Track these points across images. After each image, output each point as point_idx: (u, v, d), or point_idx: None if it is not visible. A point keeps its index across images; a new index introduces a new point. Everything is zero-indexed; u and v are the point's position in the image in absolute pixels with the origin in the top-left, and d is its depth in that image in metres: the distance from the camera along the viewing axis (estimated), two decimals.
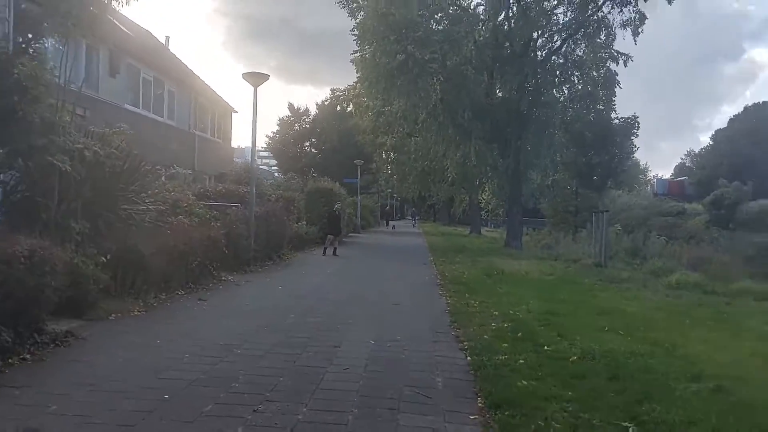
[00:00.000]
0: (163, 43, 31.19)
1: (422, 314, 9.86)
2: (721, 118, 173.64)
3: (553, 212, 43.58)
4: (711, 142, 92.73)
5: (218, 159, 29.53)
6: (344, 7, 28.15)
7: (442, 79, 27.41)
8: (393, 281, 14.37)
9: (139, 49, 22.58)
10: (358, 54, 27.90)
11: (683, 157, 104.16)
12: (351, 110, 50.55)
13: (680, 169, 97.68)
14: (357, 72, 29.60)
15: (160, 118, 23.62)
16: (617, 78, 28.30)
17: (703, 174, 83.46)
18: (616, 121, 29.27)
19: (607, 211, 19.81)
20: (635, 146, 30.32)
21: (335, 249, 20.65)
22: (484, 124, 28.46)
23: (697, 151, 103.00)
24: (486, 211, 65.67)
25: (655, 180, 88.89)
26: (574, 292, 13.78)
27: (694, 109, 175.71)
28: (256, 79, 14.72)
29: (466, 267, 18.58)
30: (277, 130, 57.42)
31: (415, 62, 25.69)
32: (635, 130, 29.01)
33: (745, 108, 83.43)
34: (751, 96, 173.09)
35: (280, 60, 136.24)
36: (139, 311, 8.69)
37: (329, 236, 20.93)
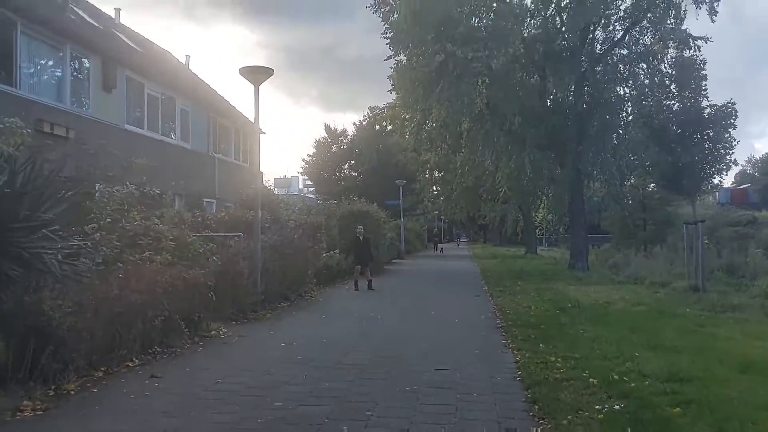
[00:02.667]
0: (183, 62, 29.00)
1: (481, 388, 6.47)
2: None
3: (619, 227, 39.37)
4: (732, 158, 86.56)
5: (244, 185, 26.83)
6: (376, 11, 25.12)
7: (487, 81, 24.07)
8: (437, 325, 10.99)
9: (143, 61, 20.10)
10: (391, 60, 24.91)
11: (743, 164, 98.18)
12: (390, 128, 47.70)
13: (741, 176, 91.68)
14: (392, 82, 26.59)
15: (170, 140, 21.03)
16: (703, 61, 24.23)
17: None
18: (709, 110, 24.73)
19: (703, 221, 16.00)
20: (734, 140, 25.31)
21: (370, 281, 17.39)
22: (537, 130, 24.89)
23: (757, 158, 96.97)
24: (541, 229, 61.50)
25: (717, 191, 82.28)
26: (683, 331, 10.17)
27: (745, 115, 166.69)
28: (257, 75, 11.75)
29: (530, 298, 15.04)
30: (314, 153, 54.72)
31: (456, 63, 22.46)
32: (732, 120, 24.44)
33: None
34: None
35: (320, 88, 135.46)
36: (38, 407, 5.59)
37: (356, 266, 17.68)
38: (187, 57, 29.66)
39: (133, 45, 21.04)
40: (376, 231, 24.03)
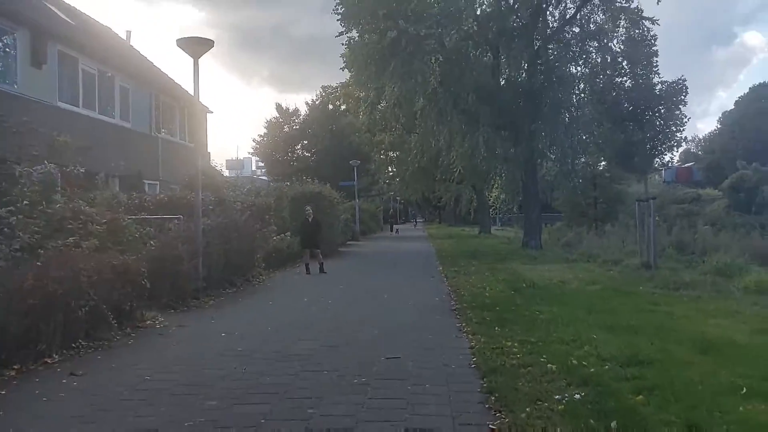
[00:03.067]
0: (124, 38, 27.57)
1: (434, 378, 6.04)
2: (717, 103, 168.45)
3: (570, 205, 39.68)
4: (718, 126, 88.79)
5: (190, 166, 25.71)
6: None
7: (441, 58, 23.58)
8: (390, 309, 10.53)
9: (77, 35, 18.87)
10: (344, 38, 24.10)
11: (687, 142, 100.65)
12: (344, 108, 46.84)
13: (686, 155, 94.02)
14: (344, 60, 25.79)
15: (109, 119, 19.91)
16: (653, 36, 24.20)
17: (713, 158, 79.53)
18: (660, 87, 24.72)
19: (654, 198, 15.94)
20: (685, 117, 25.32)
21: (322, 264, 16.82)
22: (491, 109, 24.58)
23: (701, 137, 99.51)
24: (494, 209, 61.84)
25: (663, 169, 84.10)
26: (639, 310, 10.00)
27: (688, 95, 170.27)
28: (196, 47, 10.93)
29: (484, 278, 14.75)
30: (265, 134, 53.32)
31: (409, 40, 21.86)
32: (683, 96, 24.53)
33: (752, 88, 79.31)
34: (744, 80, 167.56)
35: (272, 68, 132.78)
36: None
37: (305, 250, 17.07)
38: (128, 33, 28.24)
39: (66, 18, 19.74)
40: (329, 212, 23.41)
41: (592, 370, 6.01)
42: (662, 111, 24.45)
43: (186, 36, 10.79)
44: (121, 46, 25.08)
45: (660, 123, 24.33)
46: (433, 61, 23.03)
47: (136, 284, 8.59)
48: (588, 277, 14.73)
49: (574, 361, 6.29)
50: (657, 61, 24.89)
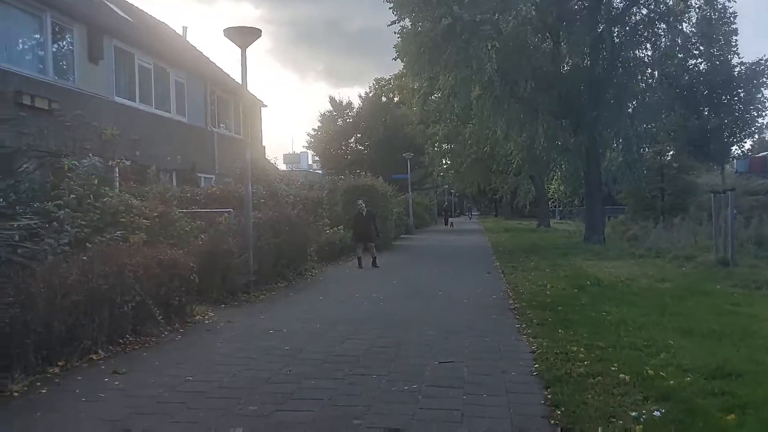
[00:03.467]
0: (180, 34, 27.89)
1: (492, 387, 5.52)
2: None
3: (635, 197, 38.07)
4: (765, 122, 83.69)
5: (260, 163, 25.77)
6: None
7: (497, 45, 22.74)
8: (444, 308, 10.04)
9: (133, 31, 19.04)
10: (396, 27, 23.57)
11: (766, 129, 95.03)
12: (397, 100, 46.35)
13: (760, 144, 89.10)
14: (396, 50, 25.23)
15: (165, 114, 20.04)
16: (733, 14, 22.60)
17: None
18: (739, 69, 23.00)
19: (733, 189, 14.82)
20: (767, 99, 23.26)
21: (374, 259, 16.45)
22: (551, 97, 23.64)
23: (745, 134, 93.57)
24: (553, 201, 60.36)
25: (734, 160, 79.83)
26: (718, 312, 9.16)
27: None
28: (244, 37, 10.67)
29: (545, 275, 14.07)
30: (319, 127, 53.39)
31: (464, 26, 21.17)
32: (766, 78, 22.61)
33: None
34: None
35: (326, 63, 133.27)
36: None
37: (359, 244, 16.72)
38: (184, 28, 28.56)
39: (122, 14, 19.95)
40: (382, 206, 23.06)
41: (672, 382, 5.37)
42: (742, 94, 22.67)
43: (233, 26, 10.53)
44: (176, 41, 25.33)
45: (739, 108, 22.58)
46: (489, 47, 22.24)
47: (185, 279, 8.38)
48: (658, 275, 13.82)
49: (650, 371, 5.66)
50: (737, 40, 23.04)
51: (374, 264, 16.35)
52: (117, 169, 16.03)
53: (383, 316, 9.12)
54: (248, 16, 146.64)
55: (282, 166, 48.81)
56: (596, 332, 7.56)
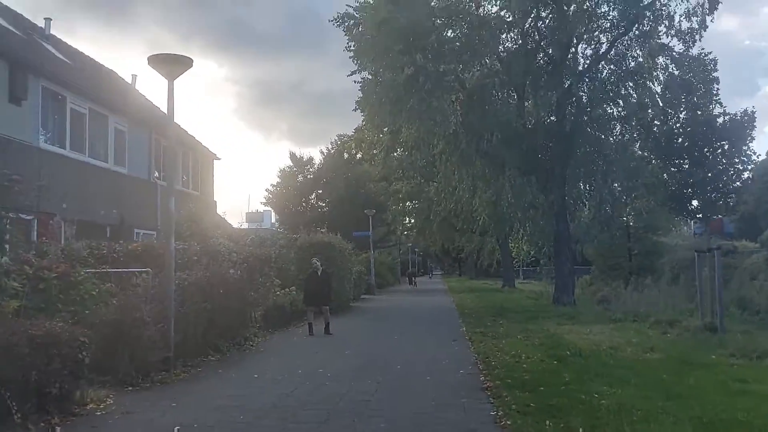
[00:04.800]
0: (129, 82, 26.34)
1: None
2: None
3: (602, 258, 37.16)
4: (749, 175, 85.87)
5: (198, 216, 23.95)
6: (339, 25, 22.69)
7: (462, 97, 21.84)
8: (403, 388, 8.31)
9: (65, 72, 17.44)
10: (357, 77, 22.46)
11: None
12: (359, 156, 45.29)
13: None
14: (357, 103, 24.00)
15: (101, 163, 18.27)
16: (713, 61, 21.90)
17: (746, 209, 76.30)
18: (723, 119, 22.08)
19: (718, 248, 13.64)
20: (754, 153, 22.13)
21: (327, 324, 14.64)
22: (517, 153, 22.66)
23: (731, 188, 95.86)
24: (517, 261, 59.33)
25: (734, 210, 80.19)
26: (727, 393, 7.69)
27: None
28: (171, 66, 9.14)
29: (517, 343, 12.49)
30: (278, 183, 51.73)
31: (427, 76, 20.18)
32: (750, 131, 21.74)
33: None
34: None
35: (290, 122, 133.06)
36: None
37: (310, 307, 14.93)
38: (134, 76, 27.14)
39: (56, 53, 18.40)
40: (340, 264, 21.39)
41: None
42: (725, 147, 21.83)
43: (158, 53, 9.02)
44: (119, 85, 23.73)
45: (722, 161, 21.71)
46: (453, 99, 21.28)
47: (70, 358, 6.52)
48: (643, 343, 12.34)
49: None
50: (718, 89, 22.15)
51: (327, 330, 14.54)
52: (35, 223, 14.27)
53: (326, 402, 7.34)
54: (213, 74, 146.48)
55: (245, 225, 46.88)
56: (593, 426, 5.96)
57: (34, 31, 18.92)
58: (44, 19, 20.42)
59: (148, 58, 9.08)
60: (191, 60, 9.31)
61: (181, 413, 6.76)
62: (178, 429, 6.06)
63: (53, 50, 18.70)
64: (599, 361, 10.24)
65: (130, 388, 7.97)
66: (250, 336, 12.79)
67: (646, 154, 21.51)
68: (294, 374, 9.25)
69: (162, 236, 16.04)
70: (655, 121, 22.28)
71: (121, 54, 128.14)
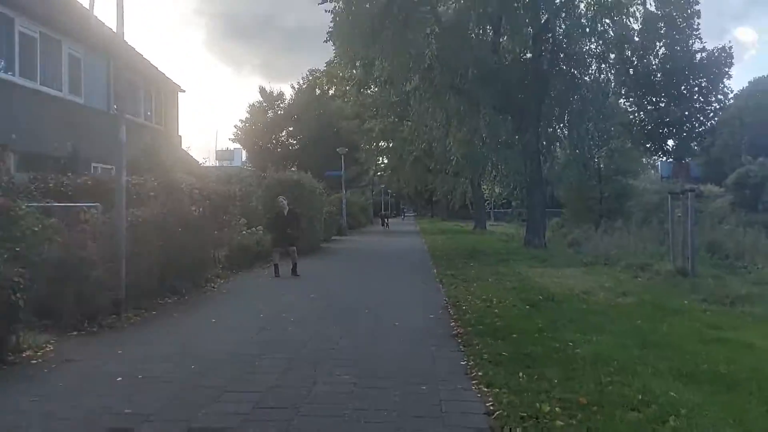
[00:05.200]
0: (87, 7, 24.59)
1: None
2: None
3: (573, 200, 37.15)
4: (715, 120, 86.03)
5: (156, 150, 22.88)
6: None
7: (437, 30, 20.87)
8: (370, 334, 7.91)
9: None
10: (328, 6, 21.27)
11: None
12: (331, 92, 43.96)
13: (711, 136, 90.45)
14: (327, 31, 22.81)
15: (55, 92, 17.11)
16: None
17: (713, 153, 76.97)
18: (701, 55, 21.45)
19: (692, 190, 13.32)
20: (730, 90, 21.54)
21: (294, 265, 14.15)
22: (493, 90, 21.93)
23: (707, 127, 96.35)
24: (488, 203, 59.35)
25: (658, 163, 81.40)
26: (703, 340, 7.44)
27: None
28: None
29: (489, 287, 12.18)
30: (247, 119, 50.09)
31: (401, 6, 19.23)
32: (727, 68, 21.15)
33: (751, 82, 76.52)
34: (737, 76, 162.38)
35: (263, 58, 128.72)
36: None
37: (276, 248, 14.39)
38: (91, 1, 25.32)
39: None
40: (310, 204, 20.76)
41: None
42: (702, 84, 21.23)
43: None
44: (77, 11, 22.09)
45: (699, 99, 21.15)
46: (428, 32, 20.32)
47: (1, 301, 5.91)
48: (615, 287, 12.12)
49: None
50: (699, 23, 21.26)
51: (294, 272, 14.06)
52: None
53: (287, 350, 6.88)
54: (181, 8, 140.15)
55: (215, 163, 45.56)
56: (569, 377, 5.60)
57: None
58: None
59: None
60: None
61: (127, 362, 6.23)
62: (119, 379, 5.54)
63: None
64: (572, 306, 9.95)
65: (75, 333, 7.41)
66: (212, 277, 12.29)
67: (623, 91, 20.85)
68: (255, 318, 8.77)
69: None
70: (633, 58, 21.53)
71: None
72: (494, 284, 12.53)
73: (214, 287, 11.76)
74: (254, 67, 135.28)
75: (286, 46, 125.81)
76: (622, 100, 21.05)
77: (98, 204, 8.65)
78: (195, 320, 8.64)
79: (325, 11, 20.70)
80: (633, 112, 20.99)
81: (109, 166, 19.04)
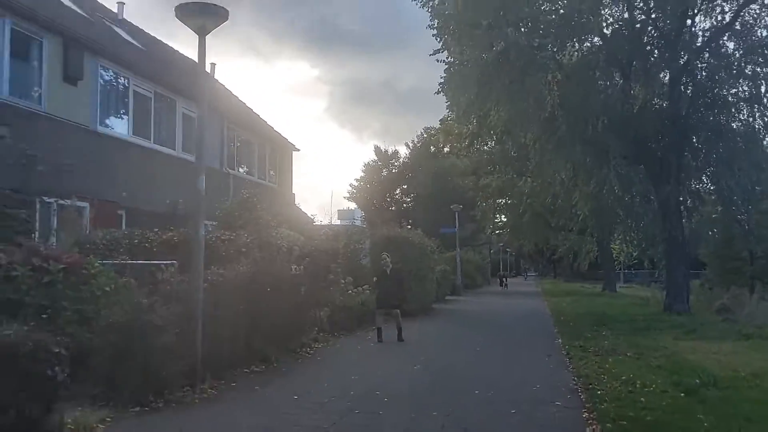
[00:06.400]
0: (208, 71, 25.62)
1: None
2: None
3: (719, 260, 33.21)
4: None
5: (270, 208, 22.80)
6: (423, 6, 20.70)
7: (558, 77, 19.31)
8: (481, 423, 6.32)
9: (128, 52, 16.58)
10: (440, 55, 20.33)
11: None
12: (446, 149, 43.10)
13: None
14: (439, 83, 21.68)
15: (167, 150, 17.34)
16: None
17: None
18: None
19: None
20: None
21: (400, 330, 12.78)
22: (624, 139, 19.84)
23: None
24: (617, 263, 55.03)
25: None
26: None
27: None
28: (203, 18, 7.60)
29: (628, 363, 10.12)
30: (362, 177, 50.33)
31: (519, 53, 17.92)
32: None
33: None
34: None
35: (382, 121, 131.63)
36: None
37: (380, 311, 13.10)
38: (212, 65, 26.32)
39: (121, 33, 17.62)
40: (420, 263, 19.48)
41: None
42: None
43: (187, 1, 7.48)
44: (191, 70, 22.81)
45: None
46: (549, 79, 18.80)
47: (35, 377, 5.04)
48: None
49: None
50: None
51: (399, 337, 12.69)
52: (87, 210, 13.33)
53: None
54: (305, 75, 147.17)
55: (337, 221, 45.92)
56: None
57: (103, 14, 18.27)
58: (117, 3, 19.79)
59: (175, 9, 7.57)
60: (226, 11, 7.72)
61: None
62: None
63: (118, 30, 17.93)
64: (742, 395, 7.77)
65: (138, 409, 6.46)
66: (309, 342, 11.18)
67: None
68: (344, 396, 7.46)
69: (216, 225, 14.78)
70: None
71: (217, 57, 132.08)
72: (634, 360, 10.43)
73: (309, 353, 10.63)
74: (374, 130, 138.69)
75: (402, 109, 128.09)
76: None
77: (174, 261, 7.85)
78: (276, 395, 7.46)
79: (437, 61, 19.78)
80: None
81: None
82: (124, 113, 15.74)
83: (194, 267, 7.62)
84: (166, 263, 7.85)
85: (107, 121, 15.09)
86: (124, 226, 14.00)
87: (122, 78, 15.50)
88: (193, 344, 7.36)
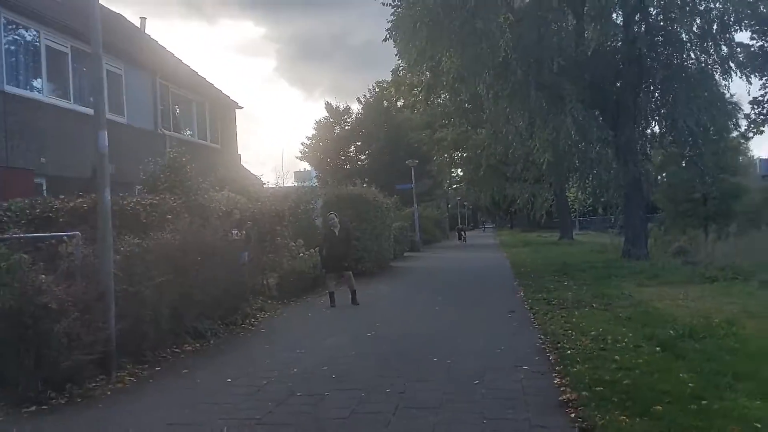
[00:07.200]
0: (138, 25, 23.67)
1: None
2: None
3: (674, 203, 33.42)
4: None
5: (211, 169, 21.35)
6: None
7: (511, 18, 18.30)
8: (440, 397, 5.50)
9: (37, 2, 14.82)
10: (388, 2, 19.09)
11: None
12: (399, 102, 41.89)
13: None
14: (387, 31, 20.43)
15: (85, 110, 15.76)
16: None
17: None
18: None
19: None
20: None
21: (354, 293, 11.91)
22: (578, 83, 19.09)
23: None
24: (572, 211, 55.33)
25: (757, 160, 73.92)
26: None
27: None
28: None
29: (594, 315, 9.53)
30: (314, 135, 48.68)
31: None
32: None
33: None
34: None
35: (333, 78, 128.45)
36: None
37: (330, 274, 12.18)
38: (142, 20, 24.35)
39: None
40: (376, 221, 18.60)
41: None
42: None
43: None
44: (117, 24, 20.92)
45: None
46: (501, 20, 17.78)
47: None
48: (762, 312, 9.18)
49: None
50: None
51: (354, 300, 11.83)
52: None
53: (316, 427, 4.61)
54: (251, 33, 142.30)
55: (294, 183, 44.48)
56: None
57: None
58: None
59: None
60: None
61: None
62: None
63: None
64: (721, 344, 7.18)
65: (34, 408, 5.42)
66: (253, 312, 10.22)
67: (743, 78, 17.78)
68: (285, 375, 6.54)
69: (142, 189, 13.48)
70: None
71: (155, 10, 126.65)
72: (602, 312, 9.82)
73: (252, 325, 9.67)
74: (325, 88, 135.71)
75: (355, 65, 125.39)
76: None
77: (78, 232, 6.68)
78: (207, 379, 6.48)
79: (383, 4, 18.53)
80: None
81: None
82: (36, 71, 14.12)
83: (101, 238, 6.50)
84: (69, 234, 6.68)
85: (17, 80, 13.49)
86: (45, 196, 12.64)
87: (30, 30, 13.83)
88: (104, 326, 6.31)
